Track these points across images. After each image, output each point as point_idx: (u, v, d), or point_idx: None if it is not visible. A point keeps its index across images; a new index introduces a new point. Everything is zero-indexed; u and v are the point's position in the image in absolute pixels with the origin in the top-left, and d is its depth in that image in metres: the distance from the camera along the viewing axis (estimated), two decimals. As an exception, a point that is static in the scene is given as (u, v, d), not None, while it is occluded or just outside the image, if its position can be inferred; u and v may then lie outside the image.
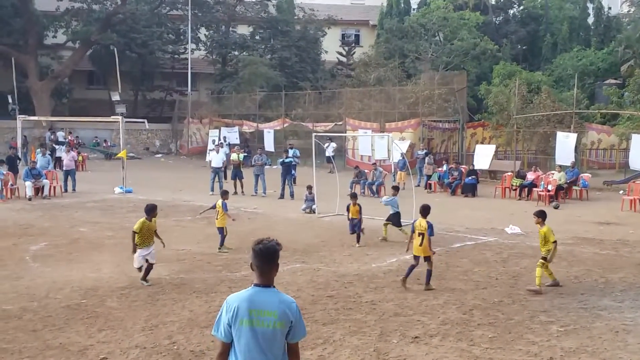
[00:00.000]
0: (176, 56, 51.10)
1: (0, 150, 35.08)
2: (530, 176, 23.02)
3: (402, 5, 48.12)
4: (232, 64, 48.81)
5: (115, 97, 41.43)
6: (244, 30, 51.31)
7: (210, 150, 30.57)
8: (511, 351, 7.38)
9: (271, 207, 19.70)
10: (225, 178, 24.65)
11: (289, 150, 24.83)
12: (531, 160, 29.27)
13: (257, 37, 50.01)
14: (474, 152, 28.15)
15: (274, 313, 4.00)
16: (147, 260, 10.41)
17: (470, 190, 23.40)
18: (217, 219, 13.22)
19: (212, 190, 22.84)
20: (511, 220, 16.47)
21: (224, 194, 13.69)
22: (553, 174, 22.37)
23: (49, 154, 26.91)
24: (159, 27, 48.46)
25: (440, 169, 26.13)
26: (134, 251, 10.34)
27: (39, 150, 27.63)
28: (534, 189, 22.31)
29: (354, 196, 14.72)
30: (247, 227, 15.79)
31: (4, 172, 21.28)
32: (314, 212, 18.19)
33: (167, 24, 49.69)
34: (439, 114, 32.44)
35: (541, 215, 10.22)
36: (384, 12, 48.37)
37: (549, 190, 21.24)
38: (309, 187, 18.62)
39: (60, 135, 40.47)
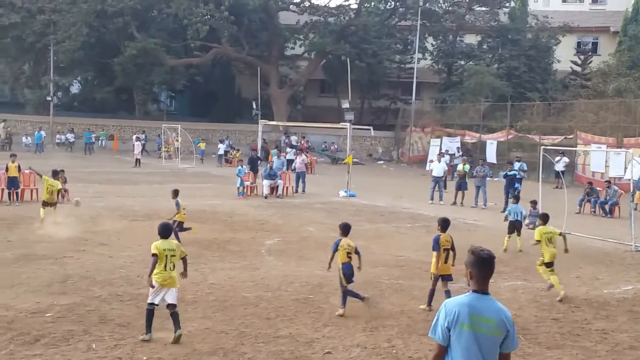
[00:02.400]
0: (402, 65, 52.25)
1: (243, 151, 38.86)
2: None
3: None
4: (458, 73, 48.49)
5: (345, 104, 43.59)
6: (471, 39, 50.73)
7: (430, 159, 30.67)
8: None
9: (492, 220, 19.23)
10: (445, 187, 24.59)
11: (515, 162, 23.98)
12: None
13: (485, 46, 49.15)
14: None
15: (494, 320, 4.07)
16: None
17: None
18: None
19: (432, 199, 22.95)
20: None
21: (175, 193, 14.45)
22: None
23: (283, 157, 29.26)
24: (389, 38, 49.99)
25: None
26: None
27: (274, 151, 30.11)
28: None
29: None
30: (467, 239, 15.47)
31: (246, 172, 23.59)
32: (538, 229, 17.34)
33: (396, 34, 51.02)
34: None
35: (543, 218, 11.35)
36: (628, 17, 44.33)
37: None
38: (534, 202, 17.80)
39: (293, 139, 43.69)
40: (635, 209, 18.35)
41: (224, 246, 13.65)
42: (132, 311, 8.82)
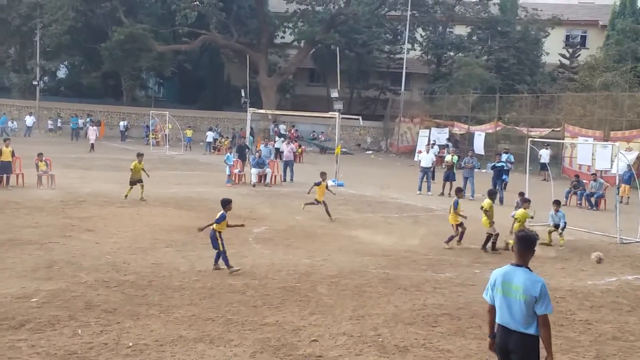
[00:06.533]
0: (392, 56, 52.18)
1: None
2: None
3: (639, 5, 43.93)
4: (447, 64, 48.52)
5: (334, 94, 43.42)
6: (461, 30, 50.76)
7: (418, 149, 30.69)
8: None
9: (479, 211, 19.28)
10: (433, 178, 24.66)
11: (503, 154, 24.08)
12: None
13: (474, 38, 49.20)
14: None
15: (519, 287, 5.10)
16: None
17: None
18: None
19: (420, 189, 23.01)
20: None
21: (226, 204, 11.32)
22: None
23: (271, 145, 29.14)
24: (378, 28, 49.88)
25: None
26: None
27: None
28: None
29: None
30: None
31: (234, 159, 23.50)
32: (525, 221, 17.44)
33: (385, 24, 50.91)
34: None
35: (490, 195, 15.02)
36: (616, 11, 44.54)
37: None
38: (521, 194, 17.88)
39: (282, 128, 43.55)
40: (621, 202, 18.50)
41: (211, 234, 13.60)
42: (118, 297, 8.78)
